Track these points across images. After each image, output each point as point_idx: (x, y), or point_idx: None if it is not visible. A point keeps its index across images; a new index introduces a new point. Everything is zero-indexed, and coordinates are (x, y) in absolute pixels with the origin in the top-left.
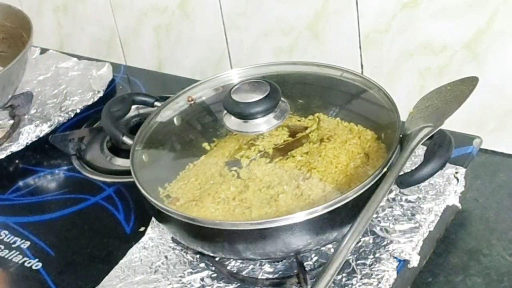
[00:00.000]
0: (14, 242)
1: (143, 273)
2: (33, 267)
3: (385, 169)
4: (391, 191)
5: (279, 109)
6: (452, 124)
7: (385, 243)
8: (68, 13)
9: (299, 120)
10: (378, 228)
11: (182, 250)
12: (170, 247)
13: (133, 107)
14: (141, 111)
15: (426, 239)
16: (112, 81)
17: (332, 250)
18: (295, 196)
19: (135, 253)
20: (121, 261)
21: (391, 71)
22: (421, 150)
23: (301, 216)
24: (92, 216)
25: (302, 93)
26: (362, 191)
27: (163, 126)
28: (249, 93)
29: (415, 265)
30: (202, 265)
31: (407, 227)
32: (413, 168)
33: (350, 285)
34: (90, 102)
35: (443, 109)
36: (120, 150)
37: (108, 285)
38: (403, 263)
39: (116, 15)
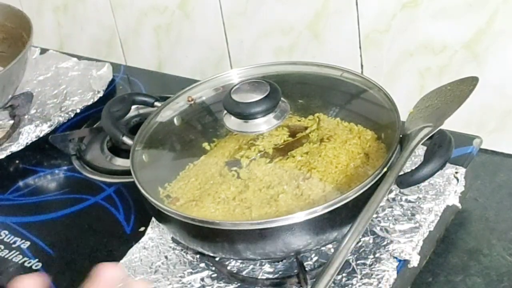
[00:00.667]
0: (14, 242)
1: (143, 273)
2: (33, 267)
3: (385, 169)
4: (391, 191)
5: (279, 109)
6: (452, 124)
7: (385, 243)
8: (68, 13)
9: (299, 120)
10: (378, 228)
11: (182, 250)
12: (170, 247)
13: (133, 107)
14: (141, 111)
15: (426, 239)
16: (112, 81)
17: (332, 250)
18: (295, 196)
19: (135, 253)
20: (121, 261)
21: (391, 71)
22: (421, 150)
23: (301, 216)
24: (92, 216)
25: (302, 93)
26: (362, 191)
27: (163, 126)
28: (249, 93)
29: (415, 265)
30: (202, 265)
31: (407, 227)
32: (413, 168)
33: (350, 285)
34: (90, 102)
35: (443, 109)
36: (120, 150)
37: None
38: (403, 263)
39: (116, 15)
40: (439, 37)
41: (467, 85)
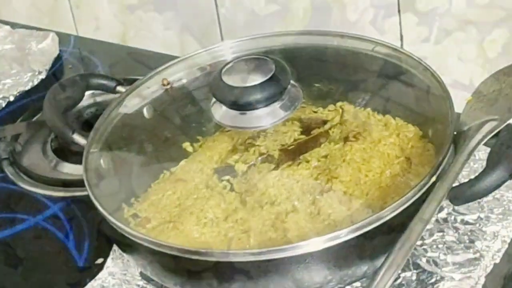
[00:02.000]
0: None
1: None
2: None
3: (433, 179)
4: (441, 209)
5: (287, 97)
6: None
7: (433, 280)
8: None
9: (315, 112)
10: (423, 259)
11: None
12: (137, 285)
13: (87, 93)
14: (98, 98)
15: (489, 275)
16: (58, 58)
17: None
18: (309, 216)
19: None
20: None
21: (440, 42)
22: (482, 153)
23: (318, 243)
24: (30, 244)
25: (319, 74)
26: (401, 209)
27: (128, 119)
28: (247, 75)
29: None
30: None
31: (464, 258)
32: (472, 177)
33: None
34: (28, 87)
35: None
36: (69, 153)
37: None
38: None
39: None
40: None
41: None
